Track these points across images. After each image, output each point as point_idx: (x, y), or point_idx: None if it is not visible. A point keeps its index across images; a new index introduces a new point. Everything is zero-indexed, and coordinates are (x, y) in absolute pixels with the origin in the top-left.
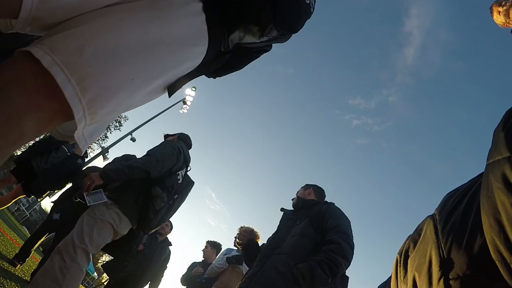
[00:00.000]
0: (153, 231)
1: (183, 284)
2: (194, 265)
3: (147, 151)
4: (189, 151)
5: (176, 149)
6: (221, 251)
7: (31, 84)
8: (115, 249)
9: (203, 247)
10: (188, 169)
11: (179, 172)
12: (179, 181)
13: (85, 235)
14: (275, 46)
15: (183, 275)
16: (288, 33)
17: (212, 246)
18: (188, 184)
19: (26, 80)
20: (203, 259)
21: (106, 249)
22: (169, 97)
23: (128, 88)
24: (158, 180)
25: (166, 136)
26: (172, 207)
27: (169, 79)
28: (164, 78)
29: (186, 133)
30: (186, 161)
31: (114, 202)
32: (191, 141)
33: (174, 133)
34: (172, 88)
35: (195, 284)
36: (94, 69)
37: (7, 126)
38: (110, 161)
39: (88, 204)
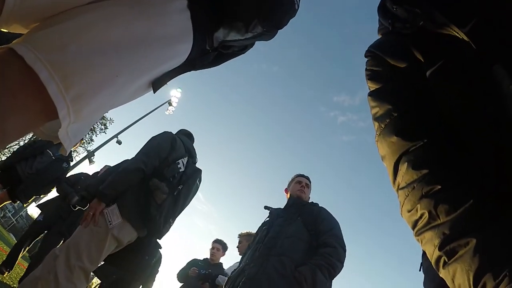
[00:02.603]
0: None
1: (179, 281)
2: (194, 261)
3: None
4: (192, 145)
5: (168, 138)
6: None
7: (16, 82)
8: (121, 261)
9: (213, 249)
10: (195, 161)
11: (179, 161)
12: (180, 169)
13: (83, 252)
14: (259, 44)
15: (179, 271)
16: (272, 29)
17: (224, 249)
18: (193, 172)
19: (11, 78)
20: (205, 257)
21: (112, 262)
22: (154, 93)
23: (113, 85)
24: (156, 173)
25: None
26: (179, 200)
27: (153, 76)
28: (149, 75)
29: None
30: (189, 151)
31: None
32: (191, 133)
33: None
34: (157, 84)
35: (193, 279)
36: (78, 66)
37: None
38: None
39: (110, 226)
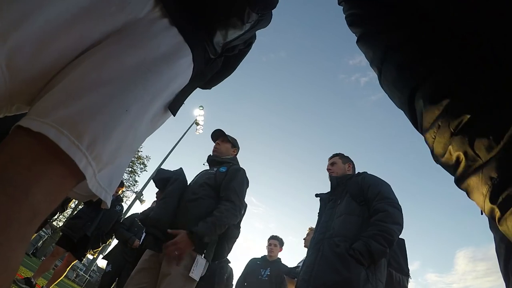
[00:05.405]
0: None
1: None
2: (252, 261)
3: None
4: None
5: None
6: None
7: (28, 157)
8: None
9: (270, 245)
10: None
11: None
12: (244, 213)
13: None
14: (259, 35)
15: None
16: (266, 10)
17: (280, 244)
18: (245, 208)
19: (22, 155)
20: (263, 255)
21: None
22: (174, 116)
23: (125, 120)
24: None
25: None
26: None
27: (166, 99)
28: (161, 100)
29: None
30: None
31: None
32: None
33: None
34: (173, 107)
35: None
36: (83, 113)
37: (17, 207)
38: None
39: (190, 274)
